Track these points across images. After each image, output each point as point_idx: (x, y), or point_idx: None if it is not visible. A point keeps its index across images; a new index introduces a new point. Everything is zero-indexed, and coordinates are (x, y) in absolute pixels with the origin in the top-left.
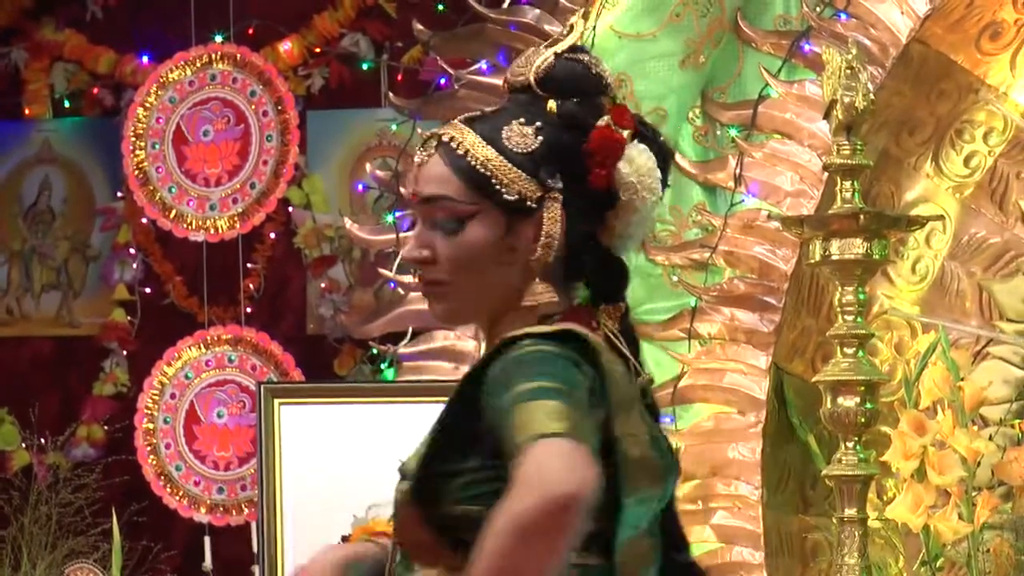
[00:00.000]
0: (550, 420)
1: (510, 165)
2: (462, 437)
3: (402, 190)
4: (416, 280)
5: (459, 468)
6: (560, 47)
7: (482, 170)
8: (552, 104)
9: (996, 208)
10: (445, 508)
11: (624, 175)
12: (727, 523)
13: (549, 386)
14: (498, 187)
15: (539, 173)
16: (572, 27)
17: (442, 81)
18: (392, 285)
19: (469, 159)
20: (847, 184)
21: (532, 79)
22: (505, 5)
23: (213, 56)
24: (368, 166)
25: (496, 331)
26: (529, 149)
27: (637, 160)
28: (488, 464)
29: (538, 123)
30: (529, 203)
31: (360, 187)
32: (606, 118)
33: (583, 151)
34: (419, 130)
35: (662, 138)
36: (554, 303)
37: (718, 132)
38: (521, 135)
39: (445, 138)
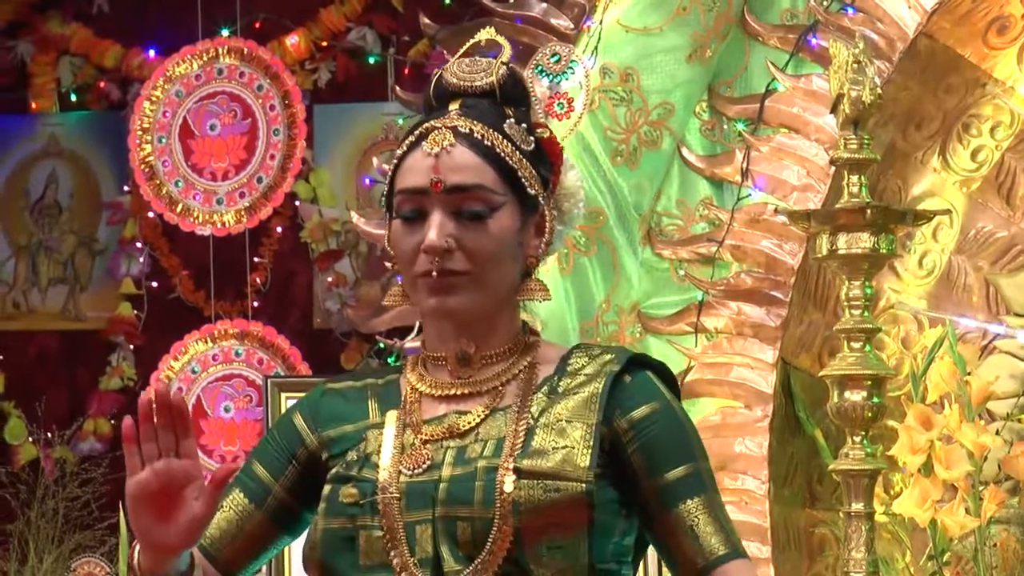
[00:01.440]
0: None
1: (525, 161)
2: (612, 461)
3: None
4: (427, 270)
5: (617, 503)
6: (504, 57)
7: (509, 162)
8: (508, 111)
9: (1003, 202)
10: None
11: (568, 185)
12: (734, 517)
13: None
14: (523, 180)
15: (540, 172)
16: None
17: None
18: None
19: (498, 150)
20: (854, 178)
21: (497, 85)
22: None
23: (220, 50)
24: (375, 160)
25: (491, 327)
26: (530, 148)
27: (571, 172)
28: (627, 511)
29: (523, 125)
30: (540, 200)
31: (367, 181)
32: (547, 129)
33: (551, 157)
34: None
35: None
36: (548, 299)
37: (725, 126)
38: (520, 134)
39: (464, 129)
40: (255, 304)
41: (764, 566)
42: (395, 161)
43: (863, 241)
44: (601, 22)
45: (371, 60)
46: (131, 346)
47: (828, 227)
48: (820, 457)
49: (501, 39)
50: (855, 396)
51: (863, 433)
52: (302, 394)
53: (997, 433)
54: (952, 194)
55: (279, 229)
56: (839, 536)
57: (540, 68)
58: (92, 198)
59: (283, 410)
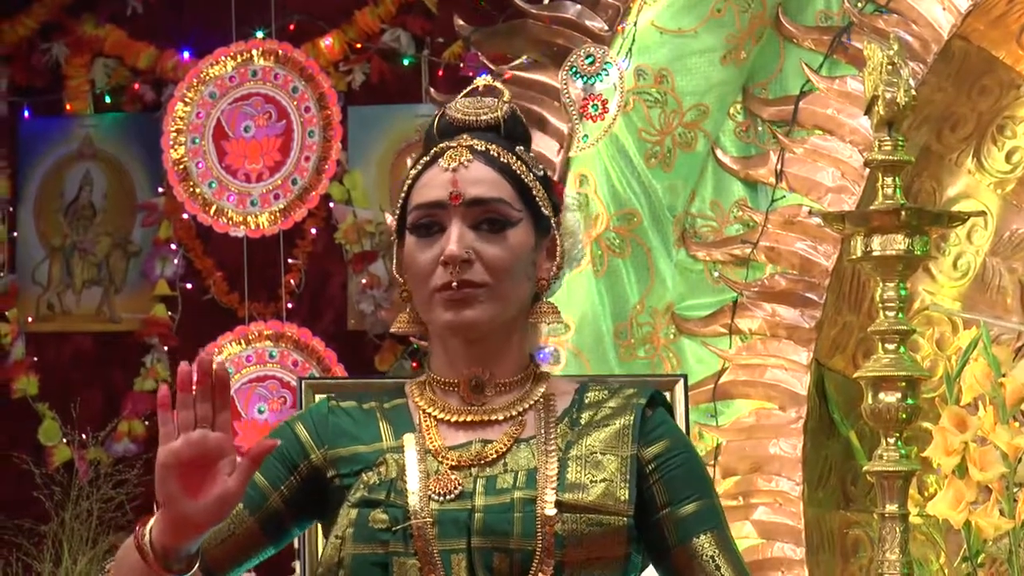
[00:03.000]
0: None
1: (538, 184)
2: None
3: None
4: (446, 282)
5: (639, 535)
6: (507, 97)
7: (525, 180)
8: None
9: None
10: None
11: (568, 225)
12: (768, 519)
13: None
14: (537, 200)
15: (551, 197)
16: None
17: (483, 77)
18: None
19: (515, 168)
20: (888, 180)
21: (501, 121)
22: (546, 1)
23: (254, 52)
24: (408, 161)
25: (501, 350)
26: (541, 174)
27: (569, 214)
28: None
29: (531, 155)
30: (552, 222)
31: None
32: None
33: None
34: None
35: None
36: (559, 321)
37: (759, 128)
38: (531, 160)
39: (480, 147)
40: (289, 306)
41: (798, 567)
42: (408, 181)
43: (897, 243)
44: (635, 24)
45: (405, 62)
46: (165, 347)
47: (862, 229)
48: (854, 459)
49: (499, 85)
50: (889, 398)
51: (897, 435)
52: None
53: None
54: (986, 196)
55: (313, 231)
56: (873, 537)
57: (575, 70)
58: (126, 200)
59: None
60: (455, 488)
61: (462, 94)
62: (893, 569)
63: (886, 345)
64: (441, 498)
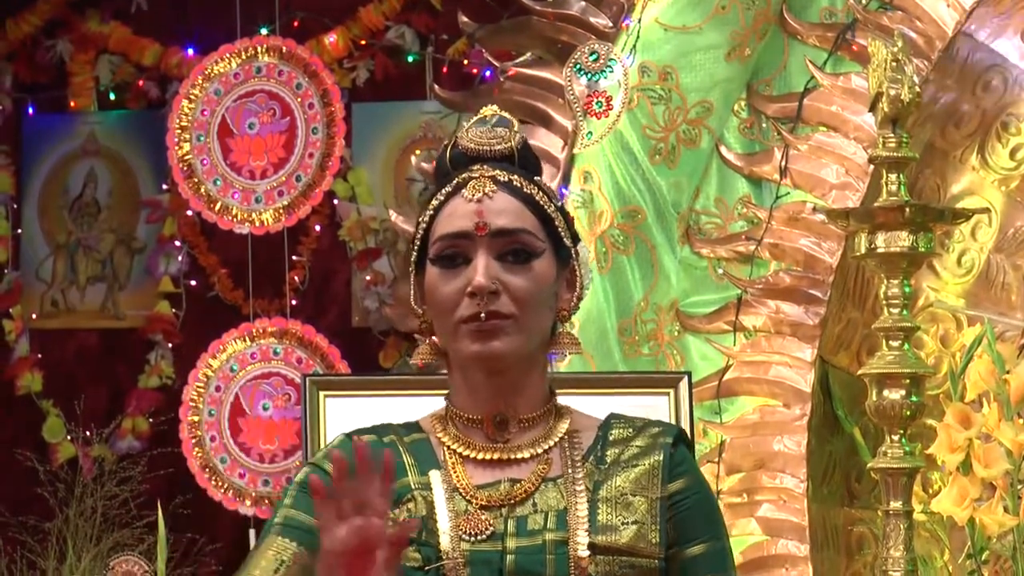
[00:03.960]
0: None
1: (559, 214)
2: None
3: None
4: (473, 313)
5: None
6: (517, 127)
7: (548, 210)
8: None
9: None
10: None
11: (583, 254)
12: (772, 516)
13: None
14: (560, 232)
15: (570, 228)
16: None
17: (487, 73)
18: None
19: (538, 199)
20: (893, 177)
21: (516, 151)
22: None
23: (259, 48)
24: (413, 158)
25: (523, 384)
26: (560, 205)
27: (579, 245)
28: None
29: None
30: (573, 254)
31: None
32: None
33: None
34: (464, 123)
35: None
36: (579, 352)
37: (763, 124)
38: (550, 191)
39: (503, 178)
40: (293, 302)
41: (802, 564)
42: (430, 212)
43: (902, 239)
44: (640, 20)
45: (410, 59)
46: (169, 344)
47: (867, 225)
48: (858, 455)
49: (506, 114)
50: (894, 394)
51: (901, 431)
52: (341, 392)
53: None
54: (991, 192)
55: (317, 228)
56: (877, 534)
57: (578, 66)
58: (131, 196)
59: (321, 408)
60: (486, 528)
61: (471, 123)
62: (897, 566)
63: (890, 342)
64: (472, 538)
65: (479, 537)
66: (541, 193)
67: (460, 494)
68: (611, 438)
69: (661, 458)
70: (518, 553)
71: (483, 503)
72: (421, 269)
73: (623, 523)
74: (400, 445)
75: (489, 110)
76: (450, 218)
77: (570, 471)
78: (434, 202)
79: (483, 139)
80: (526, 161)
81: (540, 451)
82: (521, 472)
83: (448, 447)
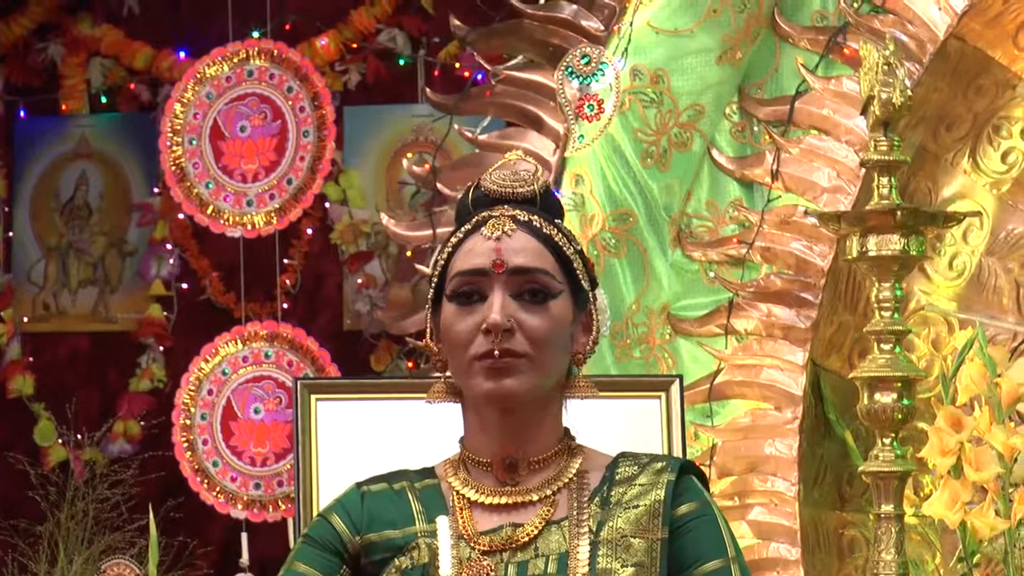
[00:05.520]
0: None
1: (578, 257)
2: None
3: (476, 261)
4: (487, 351)
5: None
6: (541, 172)
7: (567, 253)
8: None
9: None
10: None
11: (601, 300)
12: (764, 519)
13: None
14: (578, 273)
15: (588, 271)
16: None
17: (479, 77)
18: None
19: (558, 241)
20: (884, 180)
21: (539, 194)
22: (542, 1)
23: (250, 52)
24: (404, 162)
25: (537, 425)
26: (579, 248)
27: (596, 290)
28: None
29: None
30: (590, 298)
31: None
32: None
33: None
34: (455, 126)
35: None
36: (596, 397)
37: (755, 128)
38: (570, 234)
39: (522, 218)
40: (285, 306)
41: (794, 568)
42: (448, 249)
43: (893, 243)
44: (631, 24)
45: (401, 62)
46: (161, 348)
47: (858, 229)
48: (850, 459)
49: (531, 160)
50: (885, 398)
51: (893, 435)
52: (332, 396)
53: None
54: (982, 196)
55: (309, 231)
56: (869, 537)
57: (570, 70)
58: (122, 199)
59: (313, 412)
60: (487, 575)
61: (495, 166)
62: (889, 569)
63: (882, 345)
64: None
65: None
66: (561, 235)
67: (465, 540)
68: (617, 477)
69: (663, 494)
70: None
71: (485, 549)
72: (437, 306)
73: (622, 566)
74: (410, 492)
75: (514, 155)
76: (468, 255)
77: (575, 513)
78: (453, 239)
79: (506, 182)
80: (548, 205)
81: (548, 493)
82: (526, 515)
83: (457, 492)
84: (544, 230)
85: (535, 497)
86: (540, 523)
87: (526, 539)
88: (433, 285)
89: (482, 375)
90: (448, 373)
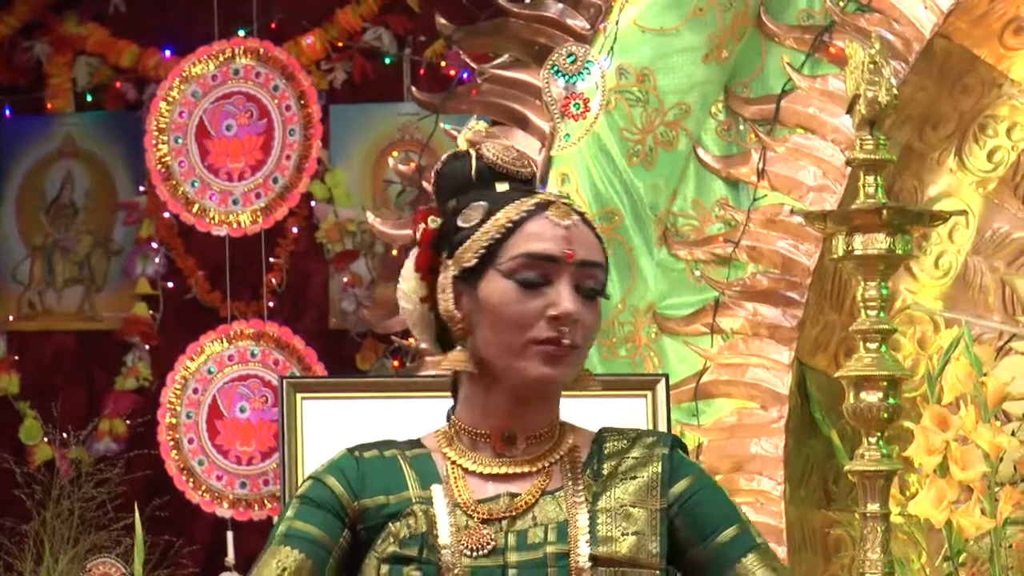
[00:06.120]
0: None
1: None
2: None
3: (544, 247)
4: (552, 337)
5: None
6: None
7: (606, 251)
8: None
9: (1020, 203)
10: None
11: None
12: (750, 518)
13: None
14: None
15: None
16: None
17: (465, 75)
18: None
19: (600, 238)
20: (870, 179)
21: (535, 176)
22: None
23: (236, 50)
24: (390, 160)
25: (548, 407)
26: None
27: None
28: None
29: None
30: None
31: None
32: None
33: None
34: (441, 124)
35: None
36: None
37: (741, 127)
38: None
39: (578, 209)
40: (271, 304)
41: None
42: (507, 224)
43: (879, 242)
44: (617, 22)
45: (387, 60)
46: (147, 346)
47: (844, 228)
48: (836, 458)
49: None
50: (871, 397)
51: (879, 434)
52: (318, 395)
53: (1013, 434)
54: (968, 195)
55: (295, 229)
56: (855, 537)
57: (556, 68)
58: (108, 198)
59: (299, 410)
60: (487, 543)
61: (485, 139)
62: (875, 568)
63: (868, 344)
64: (474, 553)
65: (480, 552)
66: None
67: (461, 509)
68: (606, 451)
69: (660, 469)
70: (520, 568)
71: (484, 517)
72: (473, 275)
73: (623, 534)
74: (401, 459)
75: (479, 125)
76: (535, 238)
77: (570, 483)
78: (513, 216)
79: (508, 158)
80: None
81: (543, 465)
82: (522, 486)
83: (452, 462)
84: (595, 227)
85: (531, 468)
86: (537, 492)
87: (523, 508)
88: (477, 255)
89: (539, 359)
90: (463, 344)
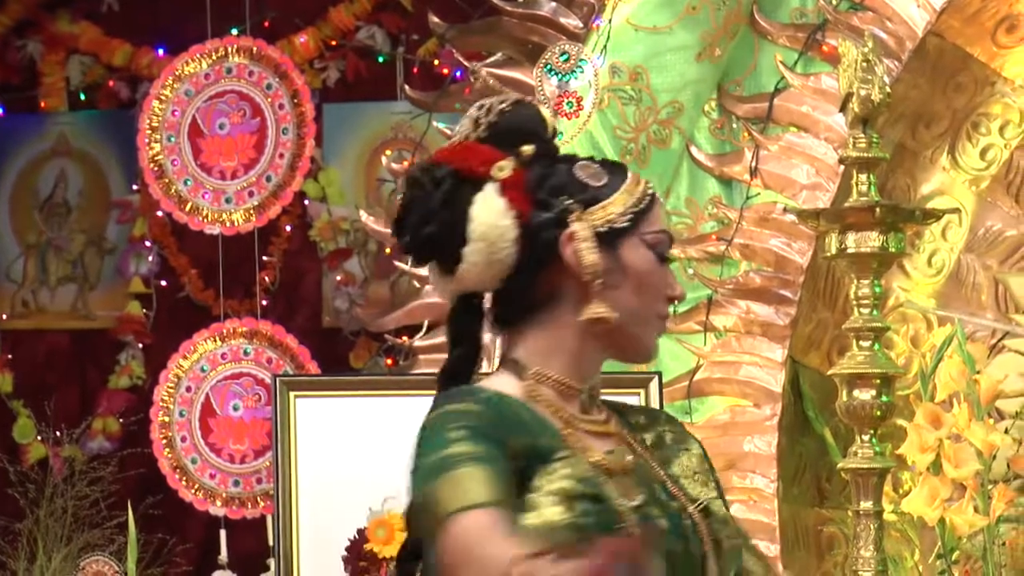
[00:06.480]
0: None
1: None
2: None
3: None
4: (666, 315)
5: None
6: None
7: None
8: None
9: (1012, 201)
10: None
11: None
12: (743, 516)
13: None
14: None
15: None
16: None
17: (458, 74)
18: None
19: None
20: (863, 177)
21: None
22: None
23: (229, 49)
24: (383, 159)
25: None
26: None
27: None
28: None
29: None
30: None
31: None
32: None
33: None
34: (434, 123)
35: None
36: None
37: (734, 125)
38: None
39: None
40: (264, 303)
41: (773, 564)
42: (645, 198)
43: (872, 240)
44: (611, 21)
45: (380, 59)
46: (140, 345)
47: (837, 226)
48: (829, 455)
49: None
50: (864, 395)
51: (872, 432)
52: (311, 393)
53: (1006, 432)
54: (961, 193)
55: (288, 228)
56: (848, 534)
57: (549, 67)
58: (101, 197)
59: (292, 409)
60: (636, 495)
61: (513, 98)
62: (868, 566)
63: (861, 342)
64: (630, 503)
65: (633, 503)
66: None
67: (588, 462)
68: (633, 423)
69: (701, 450)
70: (669, 518)
71: (617, 471)
72: (611, 236)
73: (709, 497)
74: (514, 405)
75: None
76: (658, 222)
77: (638, 448)
78: (648, 188)
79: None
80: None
81: (614, 429)
82: (613, 444)
83: (560, 416)
84: None
85: (611, 429)
86: (628, 452)
87: (632, 466)
88: (628, 219)
89: (657, 330)
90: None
